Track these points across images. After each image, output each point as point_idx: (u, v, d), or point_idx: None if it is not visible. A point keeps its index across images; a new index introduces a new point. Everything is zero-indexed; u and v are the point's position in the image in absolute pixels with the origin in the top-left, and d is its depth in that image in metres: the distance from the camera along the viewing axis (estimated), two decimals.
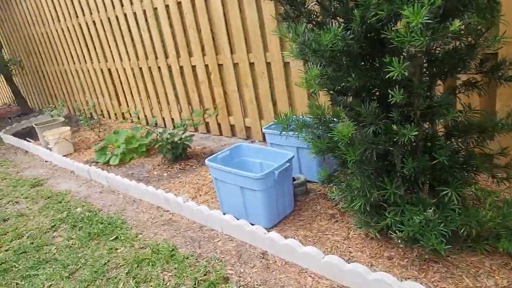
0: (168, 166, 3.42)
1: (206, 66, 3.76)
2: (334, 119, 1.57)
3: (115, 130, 4.06)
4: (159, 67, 4.31)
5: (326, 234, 2.02)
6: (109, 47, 4.85)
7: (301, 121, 1.61)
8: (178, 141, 3.40)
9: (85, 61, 5.45)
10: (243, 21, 3.23)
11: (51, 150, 4.31)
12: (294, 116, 1.74)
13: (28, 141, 5.17)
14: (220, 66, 3.63)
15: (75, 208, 2.95)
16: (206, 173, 3.12)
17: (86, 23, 5.01)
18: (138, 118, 4.96)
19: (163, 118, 4.64)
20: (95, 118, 5.83)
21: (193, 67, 3.91)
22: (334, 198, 2.28)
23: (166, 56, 4.16)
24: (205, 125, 4.10)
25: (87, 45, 5.26)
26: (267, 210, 2.13)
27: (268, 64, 3.21)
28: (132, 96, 4.94)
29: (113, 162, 3.68)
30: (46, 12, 5.65)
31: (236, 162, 2.50)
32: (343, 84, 1.44)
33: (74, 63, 5.71)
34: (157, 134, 3.40)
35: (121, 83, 5.02)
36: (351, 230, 2.00)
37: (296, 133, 1.75)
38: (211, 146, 3.77)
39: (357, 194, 1.64)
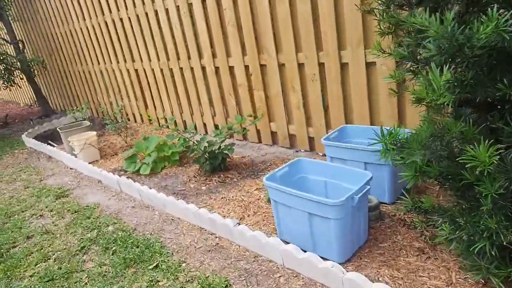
0: (206, 178, 3.08)
1: (246, 67, 3.41)
2: (460, 138, 1.19)
3: (145, 136, 3.75)
4: (191, 68, 3.99)
5: (420, 276, 1.64)
6: (137, 46, 4.55)
7: (417, 139, 1.24)
8: (217, 151, 3.06)
9: (111, 61, 5.18)
10: (293, 16, 2.87)
11: (76, 156, 4.03)
12: (402, 130, 1.36)
13: (51, 145, 4.92)
14: (262, 67, 3.28)
15: (106, 226, 2.63)
16: (251, 188, 2.77)
17: (113, 21, 4.72)
18: (166, 121, 4.65)
19: (194, 123, 4.31)
20: (120, 121, 5.55)
21: (231, 68, 3.57)
22: (420, 228, 1.90)
23: (200, 56, 3.82)
24: (242, 130, 3.75)
25: (113, 45, 4.98)
26: (341, 242, 1.76)
27: (321, 65, 2.84)
28: (160, 99, 4.64)
29: (144, 172, 3.36)
30: (71, 10, 5.40)
31: (295, 180, 2.13)
32: (487, 92, 1.06)
33: (99, 63, 5.45)
34: (194, 143, 3.07)
35: (148, 84, 4.72)
36: (452, 272, 1.62)
37: (395, 151, 1.37)
38: (250, 155, 3.42)
39: (482, 234, 1.26)
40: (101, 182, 3.44)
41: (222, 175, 3.07)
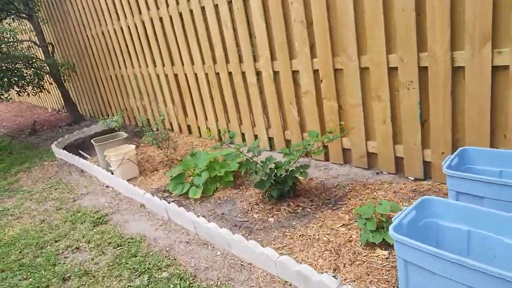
0: (272, 207, 2.55)
1: (315, 71, 2.87)
2: None
3: (192, 151, 3.25)
4: (243, 73, 3.48)
5: None
6: (178, 48, 4.08)
7: None
8: (285, 173, 2.53)
9: (147, 65, 4.74)
10: (387, 8, 2.31)
11: (112, 172, 3.58)
12: None
13: (83, 157, 4.51)
14: (337, 71, 2.73)
15: (158, 269, 2.13)
16: (334, 223, 2.22)
17: (151, 20, 4.27)
18: (208, 130, 4.16)
19: (243, 134, 3.80)
20: (156, 130, 5.10)
21: (294, 73, 3.04)
22: None
23: (255, 59, 3.31)
24: None
25: (150, 47, 4.53)
26: None
27: (421, 70, 2.28)
28: (203, 107, 4.15)
29: (194, 195, 2.86)
30: (104, 9, 5.00)
31: (421, 226, 1.58)
32: None
33: (133, 67, 5.02)
34: (258, 163, 2.54)
35: (189, 90, 4.24)
36: None
37: None
38: (318, 176, 2.88)
39: None
40: (144, 207, 2.96)
41: (291, 203, 2.53)
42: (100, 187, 3.58)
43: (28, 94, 5.43)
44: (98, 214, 2.98)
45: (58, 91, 7.08)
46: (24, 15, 5.81)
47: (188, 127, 4.54)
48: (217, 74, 3.77)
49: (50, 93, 8.16)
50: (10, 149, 5.51)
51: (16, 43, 5.07)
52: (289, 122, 3.24)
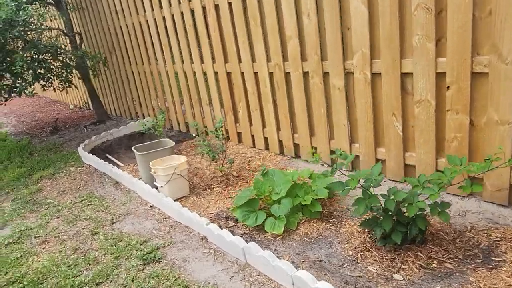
0: (393, 257, 1.87)
1: (439, 75, 2.19)
2: None
3: (265, 170, 2.60)
4: (325, 73, 2.81)
5: None
6: (236, 42, 3.43)
7: None
8: (414, 214, 1.85)
9: (191, 61, 4.10)
10: None
11: (157, 188, 2.94)
12: None
13: (115, 164, 3.89)
14: (475, 76, 2.06)
15: None
16: None
17: (203, 8, 3.63)
18: (266, 140, 3.51)
19: (314, 149, 3.13)
20: (194, 135, 4.47)
21: (404, 76, 2.36)
22: None
23: (345, 57, 2.65)
24: (404, 168, 2.54)
25: (197, 39, 3.90)
26: None
27: None
28: (261, 112, 3.49)
29: (273, 230, 2.20)
30: None
31: None
32: None
33: (174, 63, 4.39)
34: (373, 196, 1.87)
35: (245, 92, 3.58)
36: None
37: None
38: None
39: None
40: (207, 240, 2.31)
41: (420, 254, 1.86)
42: (142, 206, 2.94)
43: (54, 89, 4.86)
44: (147, 247, 2.34)
45: (83, 86, 6.52)
46: (51, 1, 5.22)
47: (238, 134, 3.89)
48: (287, 74, 3.11)
49: (71, 88, 7.58)
50: (30, 149, 4.92)
51: (43, 31, 4.49)
52: (386, 138, 2.57)
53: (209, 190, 2.98)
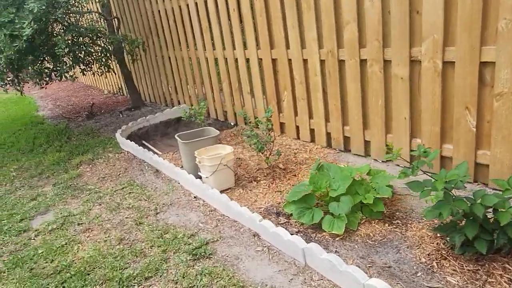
0: (476, 268, 1.67)
1: None
2: None
3: (320, 163, 2.42)
4: (386, 61, 2.59)
5: None
6: (285, 26, 3.24)
7: None
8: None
9: (233, 47, 3.94)
10: None
11: (201, 179, 2.82)
12: None
13: (152, 151, 3.81)
14: None
15: None
16: None
17: None
18: (312, 132, 3.33)
19: (366, 142, 2.93)
20: (233, 124, 4.33)
21: (482, 65, 2.12)
22: None
23: (411, 44, 2.41)
24: (474, 167, 2.30)
25: (241, 23, 3.73)
26: None
27: None
28: (309, 102, 3.30)
29: (332, 229, 2.04)
30: None
31: None
32: None
33: (214, 49, 4.24)
34: (458, 200, 1.67)
35: (291, 80, 3.40)
36: None
37: None
38: None
39: None
40: (259, 237, 2.17)
41: (508, 266, 1.65)
42: (185, 197, 2.83)
43: (94, 74, 4.82)
44: (195, 241, 2.22)
45: (117, 71, 6.49)
46: None
47: (281, 125, 3.72)
48: (341, 61, 2.91)
49: (110, 73, 7.59)
50: (68, 134, 4.92)
51: (82, 14, 4.43)
52: (455, 134, 2.34)
53: (255, 183, 2.84)
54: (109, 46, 4.62)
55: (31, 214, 2.93)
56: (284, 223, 2.28)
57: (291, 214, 2.29)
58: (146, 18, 5.31)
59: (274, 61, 3.53)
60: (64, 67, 3.92)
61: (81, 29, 4.00)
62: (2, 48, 3.33)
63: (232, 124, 4.36)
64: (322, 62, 3.05)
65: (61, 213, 2.85)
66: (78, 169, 3.72)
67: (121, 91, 7.22)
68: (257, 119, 2.94)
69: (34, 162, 4.06)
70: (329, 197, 2.19)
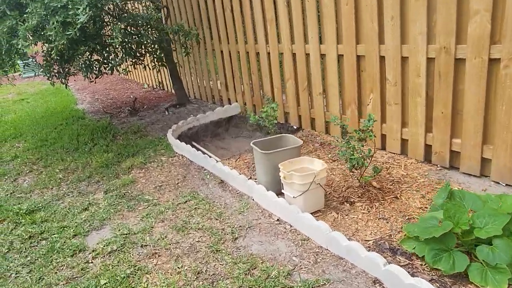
0: None
1: None
2: None
3: (448, 187, 1.93)
4: None
5: None
6: (379, 17, 2.73)
7: None
8: None
9: (305, 41, 3.46)
10: None
11: (281, 195, 2.37)
12: None
13: (206, 154, 3.39)
14: None
15: None
16: None
17: None
18: (405, 143, 2.81)
19: (483, 160, 2.40)
20: (296, 128, 3.86)
21: None
22: None
23: None
24: None
25: (318, 14, 3.24)
26: None
27: None
28: (403, 107, 2.79)
29: (488, 285, 1.54)
30: None
31: None
32: None
33: (279, 42, 3.77)
34: None
35: (382, 81, 2.89)
36: None
37: None
38: None
39: None
40: (382, 285, 1.70)
41: None
42: (264, 218, 2.39)
43: (145, 67, 4.45)
44: (295, 284, 1.77)
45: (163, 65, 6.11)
46: None
47: (361, 131, 3.22)
48: (458, 60, 2.38)
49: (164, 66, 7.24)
50: (112, 131, 4.57)
51: (140, 1, 4.04)
52: None
53: (349, 205, 2.36)
54: (164, 37, 4.19)
55: (84, 228, 2.56)
56: (406, 265, 1.80)
57: (413, 253, 1.81)
58: (196, 8, 4.89)
59: (359, 58, 3.03)
60: (117, 59, 3.53)
61: (137, 17, 3.59)
62: (54, 38, 2.96)
63: (295, 127, 3.89)
64: (429, 60, 2.54)
65: (119, 230, 2.46)
66: (129, 173, 3.34)
67: (161, 86, 6.87)
68: (357, 130, 2.44)
69: (80, 163, 3.71)
70: (473, 238, 1.69)
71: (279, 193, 2.48)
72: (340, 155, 2.41)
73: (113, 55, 3.61)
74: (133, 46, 3.87)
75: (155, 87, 7.11)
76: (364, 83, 3.05)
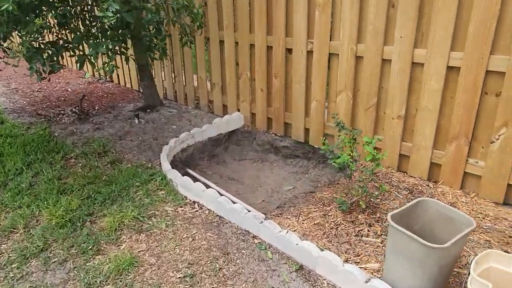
0: None
1: None
2: None
3: None
4: None
5: None
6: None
7: None
8: None
9: (385, 40, 2.41)
10: None
11: None
12: None
13: (261, 218, 2.19)
14: None
15: None
16: None
17: None
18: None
19: None
20: (350, 155, 2.81)
21: None
22: None
23: None
24: None
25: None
26: None
27: None
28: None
29: None
30: None
31: None
32: None
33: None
34: None
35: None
36: None
37: None
38: None
39: None
40: None
41: None
42: None
43: (127, 59, 2.92)
44: None
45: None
46: None
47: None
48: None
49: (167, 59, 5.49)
50: (59, 149, 3.00)
51: None
52: None
53: None
54: (164, 18, 2.75)
55: None
56: None
57: None
58: None
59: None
60: (101, 47, 2.07)
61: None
62: None
63: (351, 155, 2.84)
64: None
65: None
66: (120, 243, 1.96)
67: (110, 77, 5.23)
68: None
69: (18, 217, 2.18)
70: None
71: None
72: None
73: (92, 39, 2.13)
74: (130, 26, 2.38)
75: (100, 77, 5.42)
76: (491, 111, 2.13)
